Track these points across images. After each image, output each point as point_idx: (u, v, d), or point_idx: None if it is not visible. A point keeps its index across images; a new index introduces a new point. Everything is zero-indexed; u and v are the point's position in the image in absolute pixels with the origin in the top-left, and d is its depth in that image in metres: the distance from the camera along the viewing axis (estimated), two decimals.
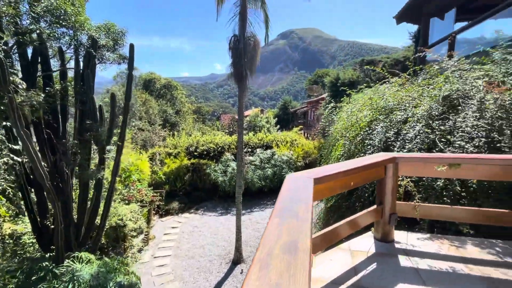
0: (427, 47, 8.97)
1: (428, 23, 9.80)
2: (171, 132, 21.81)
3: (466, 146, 2.89)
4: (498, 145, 2.71)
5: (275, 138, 15.96)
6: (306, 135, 28.00)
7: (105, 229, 7.20)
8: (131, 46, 6.46)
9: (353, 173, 2.16)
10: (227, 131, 29.49)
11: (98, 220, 6.75)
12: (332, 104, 6.69)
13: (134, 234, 9.47)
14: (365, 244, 2.60)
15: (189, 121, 31.02)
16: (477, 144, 2.83)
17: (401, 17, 10.52)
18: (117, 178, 7.48)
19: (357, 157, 4.00)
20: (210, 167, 14.22)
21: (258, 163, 14.08)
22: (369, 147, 3.79)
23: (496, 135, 2.78)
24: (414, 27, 11.54)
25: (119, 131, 6.72)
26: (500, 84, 3.20)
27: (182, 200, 13.95)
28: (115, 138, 7.16)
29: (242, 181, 9.14)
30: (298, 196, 1.43)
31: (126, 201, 10.34)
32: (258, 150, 14.87)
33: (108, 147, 6.45)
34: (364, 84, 6.47)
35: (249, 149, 15.05)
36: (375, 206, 2.59)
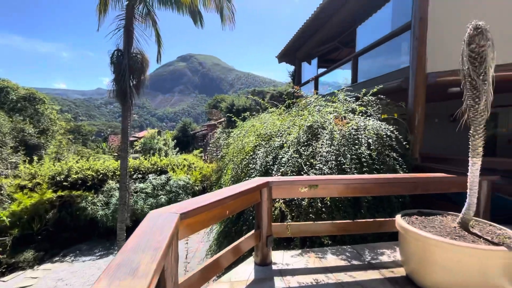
0: (300, 85, 10.92)
1: (301, 65, 11.98)
2: (29, 158, 16.80)
3: (324, 168, 3.47)
4: (343, 166, 3.39)
5: (171, 162, 14.96)
6: (205, 158, 27.82)
7: None
8: None
9: (230, 201, 2.13)
10: (116, 154, 25.53)
11: None
12: (221, 129, 6.89)
13: None
14: (246, 271, 2.58)
15: (63, 142, 25.02)
16: (330, 166, 3.45)
17: (281, 58, 12.44)
18: None
19: (243, 180, 4.15)
20: (87, 199, 11.64)
21: (150, 190, 12.65)
22: (252, 171, 4.00)
23: (342, 159, 3.48)
24: (292, 67, 13.97)
25: None
26: (343, 118, 4.13)
27: (42, 247, 10.59)
28: None
29: (127, 214, 7.86)
30: (150, 241, 1.21)
31: None
32: (150, 175, 13.45)
33: None
34: (254, 112, 7.03)
35: (140, 175, 13.41)
36: (254, 231, 2.65)
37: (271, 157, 4.02)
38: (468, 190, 2.12)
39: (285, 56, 12.24)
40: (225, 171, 5.07)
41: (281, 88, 22.48)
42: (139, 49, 7.23)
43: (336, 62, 9.92)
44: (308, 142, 4.02)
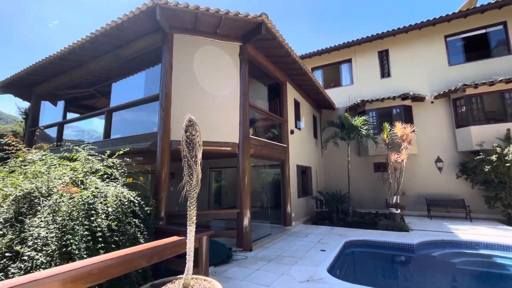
0: (38, 128, 8.33)
1: (39, 104, 9.38)
2: None
3: (38, 256, 2.52)
4: (70, 249, 2.68)
5: None
6: None
7: None
8: None
9: None
10: None
11: None
12: None
13: None
14: None
15: None
16: (49, 251, 2.58)
17: (6, 88, 9.05)
18: None
19: None
20: None
21: None
22: None
23: (69, 237, 2.75)
24: (25, 103, 10.46)
25: None
26: (79, 184, 3.46)
27: None
28: None
29: None
30: None
31: None
32: None
33: None
34: None
35: None
36: None
37: None
38: (187, 256, 2.40)
39: (12, 88, 9.03)
40: None
41: (5, 126, 15.98)
42: None
43: (93, 110, 8.88)
44: (18, 218, 2.83)
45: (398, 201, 9.09)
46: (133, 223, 3.42)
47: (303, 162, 10.43)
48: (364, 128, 10.28)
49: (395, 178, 9.53)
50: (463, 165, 9.92)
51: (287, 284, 3.97)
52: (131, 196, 3.58)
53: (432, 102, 11.22)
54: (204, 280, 2.68)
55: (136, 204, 3.63)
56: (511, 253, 5.95)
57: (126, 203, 3.47)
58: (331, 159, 13.07)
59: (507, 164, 8.35)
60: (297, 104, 10.31)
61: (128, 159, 4.68)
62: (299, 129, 10.41)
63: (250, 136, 6.64)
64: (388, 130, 9.85)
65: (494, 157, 8.62)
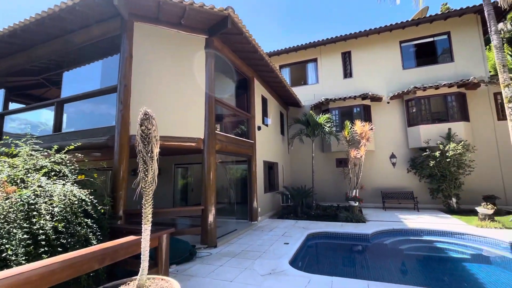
0: None
1: None
2: None
3: None
4: (5, 255, 2.40)
5: None
6: None
7: None
8: None
9: None
10: None
11: None
12: None
13: None
14: None
15: None
16: None
17: None
18: None
19: None
20: None
21: None
22: None
23: (4, 242, 2.46)
24: None
25: None
26: (19, 182, 3.11)
27: None
28: None
29: None
30: None
31: None
32: None
33: None
34: None
35: None
36: None
37: None
38: (141, 256, 2.30)
39: None
40: None
41: None
42: None
43: (43, 101, 7.97)
44: None
45: (357, 195, 9.73)
46: (84, 224, 3.18)
47: (270, 158, 10.61)
48: (328, 125, 10.77)
49: (355, 173, 10.17)
50: (413, 161, 10.93)
51: (249, 278, 4.03)
52: (83, 194, 3.32)
53: (388, 103, 12.13)
54: (162, 279, 2.60)
55: (89, 203, 3.37)
56: (448, 238, 6.74)
57: (76, 202, 3.21)
58: (297, 155, 13.49)
59: (448, 160, 9.39)
60: (264, 101, 10.41)
61: (80, 155, 4.32)
62: (267, 125, 10.55)
63: (217, 131, 6.55)
64: (349, 128, 10.44)
65: (437, 154, 9.64)
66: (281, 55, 14.42)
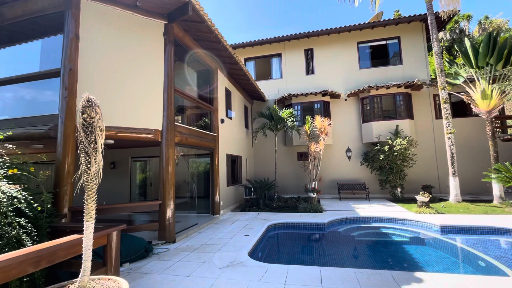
0: None
1: None
2: None
3: None
4: None
5: None
6: None
7: None
8: None
9: None
10: None
11: None
12: None
13: None
14: None
15: None
16: None
17: None
18: None
19: None
20: None
21: None
22: None
23: None
24: None
25: None
26: None
27: None
28: None
29: None
30: None
31: None
32: None
33: None
34: None
35: None
36: None
37: None
38: (83, 255, 2.12)
39: None
40: None
41: None
42: None
43: None
44: None
45: (316, 186, 10.23)
46: (16, 224, 2.81)
47: (234, 152, 10.57)
48: (290, 120, 11.07)
49: (314, 166, 10.66)
50: (366, 154, 11.84)
51: (207, 272, 4.00)
52: (13, 191, 2.92)
53: (345, 100, 12.88)
54: (109, 279, 2.43)
55: (22, 200, 2.98)
56: (392, 223, 7.50)
57: (5, 199, 2.81)
58: (261, 148, 13.67)
59: (395, 154, 10.37)
60: (228, 93, 10.28)
61: (12, 147, 3.79)
62: (230, 118, 10.45)
63: (177, 123, 6.29)
64: (310, 122, 10.86)
65: (386, 148, 10.57)
66: (246, 47, 14.32)
